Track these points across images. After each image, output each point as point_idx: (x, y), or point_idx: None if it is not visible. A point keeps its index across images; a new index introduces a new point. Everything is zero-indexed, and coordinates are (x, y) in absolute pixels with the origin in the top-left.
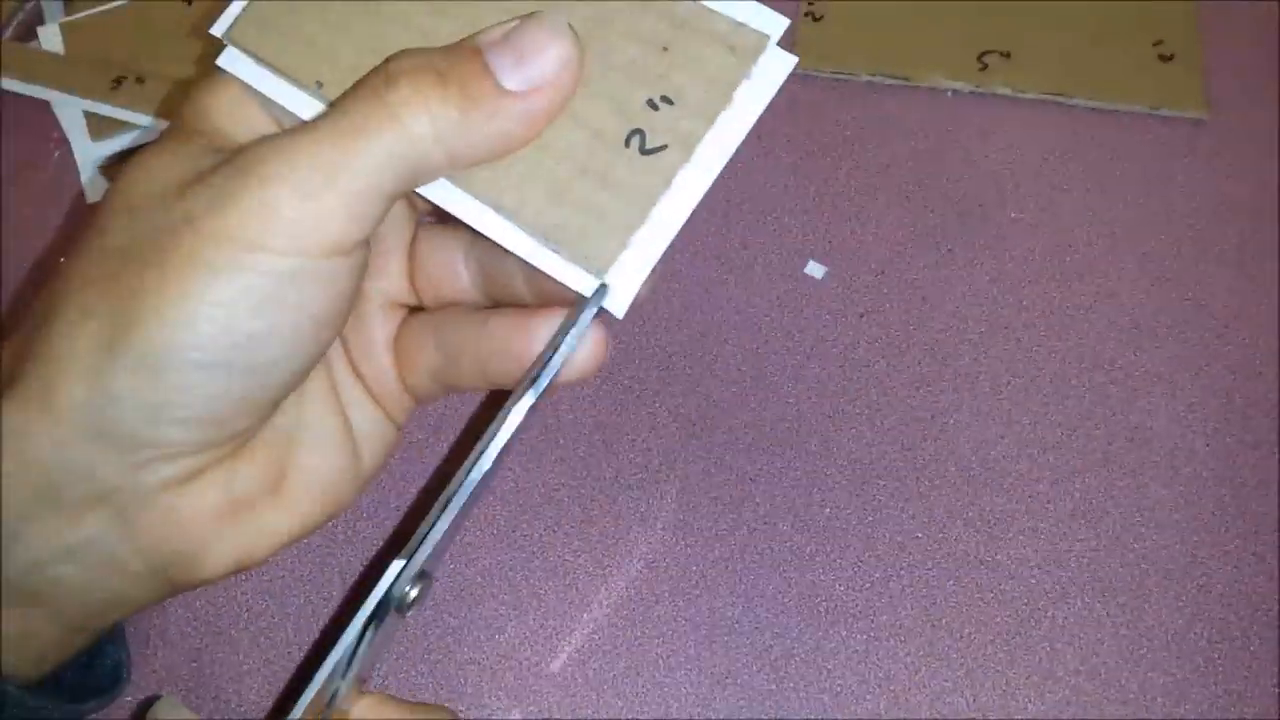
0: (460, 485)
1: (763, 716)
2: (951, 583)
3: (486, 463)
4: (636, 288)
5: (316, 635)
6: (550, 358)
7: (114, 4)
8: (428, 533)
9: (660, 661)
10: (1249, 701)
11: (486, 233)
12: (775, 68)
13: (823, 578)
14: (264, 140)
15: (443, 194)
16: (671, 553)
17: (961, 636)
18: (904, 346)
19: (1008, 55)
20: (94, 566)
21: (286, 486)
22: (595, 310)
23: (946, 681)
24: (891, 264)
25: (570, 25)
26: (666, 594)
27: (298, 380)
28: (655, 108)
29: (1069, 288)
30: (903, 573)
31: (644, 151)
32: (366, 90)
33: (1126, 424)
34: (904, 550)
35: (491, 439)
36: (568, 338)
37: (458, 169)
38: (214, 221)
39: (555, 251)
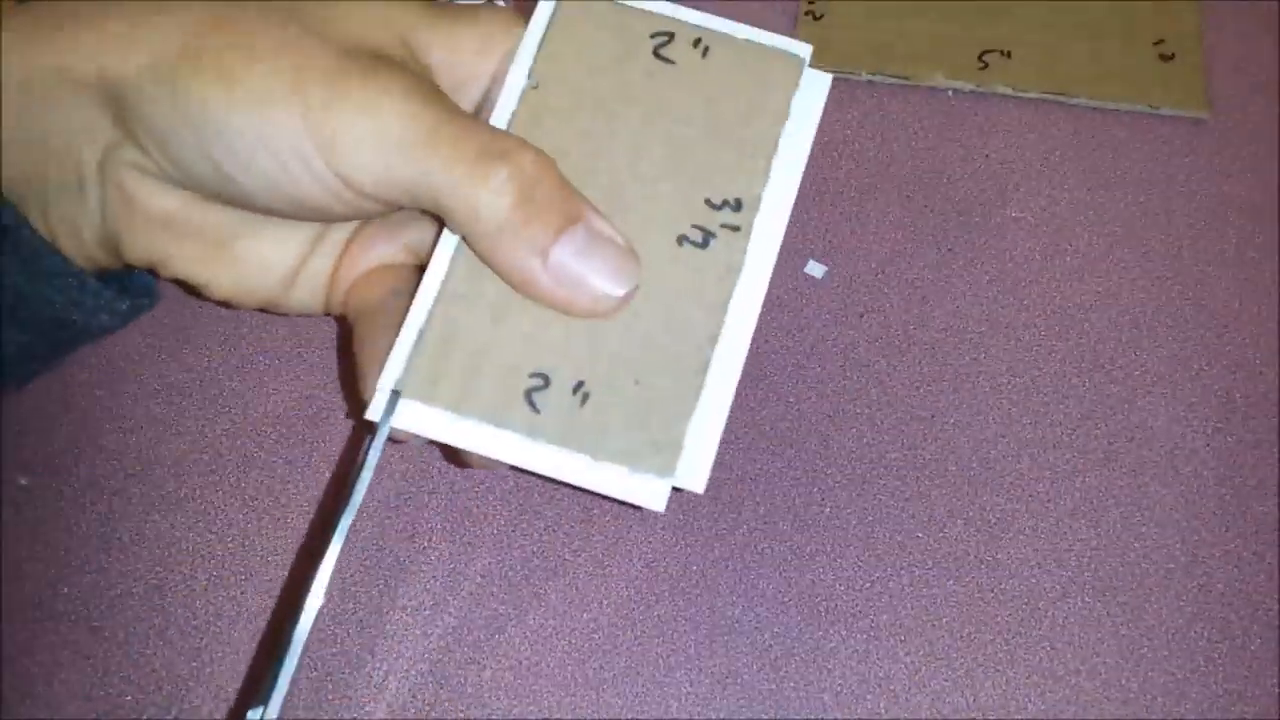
0: (294, 631)
1: (763, 716)
2: (951, 583)
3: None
4: (709, 456)
5: (317, 635)
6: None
7: None
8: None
9: (660, 661)
10: (1249, 701)
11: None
12: (813, 92)
13: (823, 578)
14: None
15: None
16: (671, 553)
17: (961, 636)
18: (904, 346)
19: (1008, 55)
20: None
21: (224, 251)
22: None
23: (946, 681)
24: (891, 264)
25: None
26: (666, 594)
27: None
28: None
29: (1069, 288)
30: (903, 573)
31: (699, 245)
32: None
33: (1126, 424)
34: (904, 550)
35: (310, 585)
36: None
37: (468, 239)
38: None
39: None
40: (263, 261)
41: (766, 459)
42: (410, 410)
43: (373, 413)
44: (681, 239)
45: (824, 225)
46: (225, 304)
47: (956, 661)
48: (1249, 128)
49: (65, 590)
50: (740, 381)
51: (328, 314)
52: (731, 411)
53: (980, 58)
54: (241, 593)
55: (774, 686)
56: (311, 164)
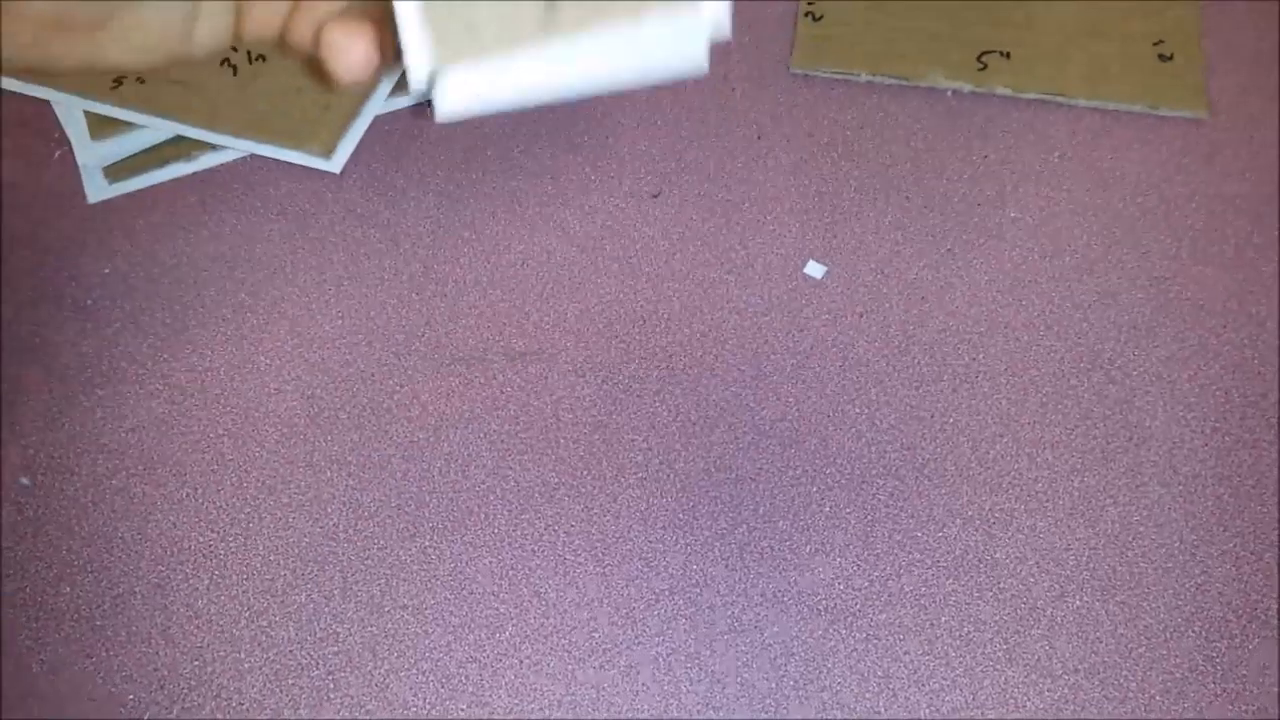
0: None
1: (763, 716)
2: (951, 582)
3: None
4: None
5: (318, 635)
6: None
7: None
8: None
9: (660, 661)
10: (1249, 701)
11: None
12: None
13: (822, 577)
14: None
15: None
16: (671, 553)
17: (961, 636)
18: (904, 346)
19: (1008, 55)
20: None
21: (110, 26)
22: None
23: (946, 680)
24: (891, 264)
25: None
26: (666, 593)
27: None
28: None
29: (1069, 288)
30: (902, 572)
31: None
32: None
33: (1126, 423)
34: (904, 550)
35: None
36: None
37: None
38: None
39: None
40: (148, 27)
41: (766, 459)
42: (448, 83)
43: (421, 89)
44: None
45: (824, 225)
46: (118, 71)
47: (956, 660)
48: (1249, 128)
49: (65, 590)
50: (740, 381)
51: (235, 49)
52: (732, 411)
53: (980, 58)
54: (242, 592)
55: (774, 686)
56: None
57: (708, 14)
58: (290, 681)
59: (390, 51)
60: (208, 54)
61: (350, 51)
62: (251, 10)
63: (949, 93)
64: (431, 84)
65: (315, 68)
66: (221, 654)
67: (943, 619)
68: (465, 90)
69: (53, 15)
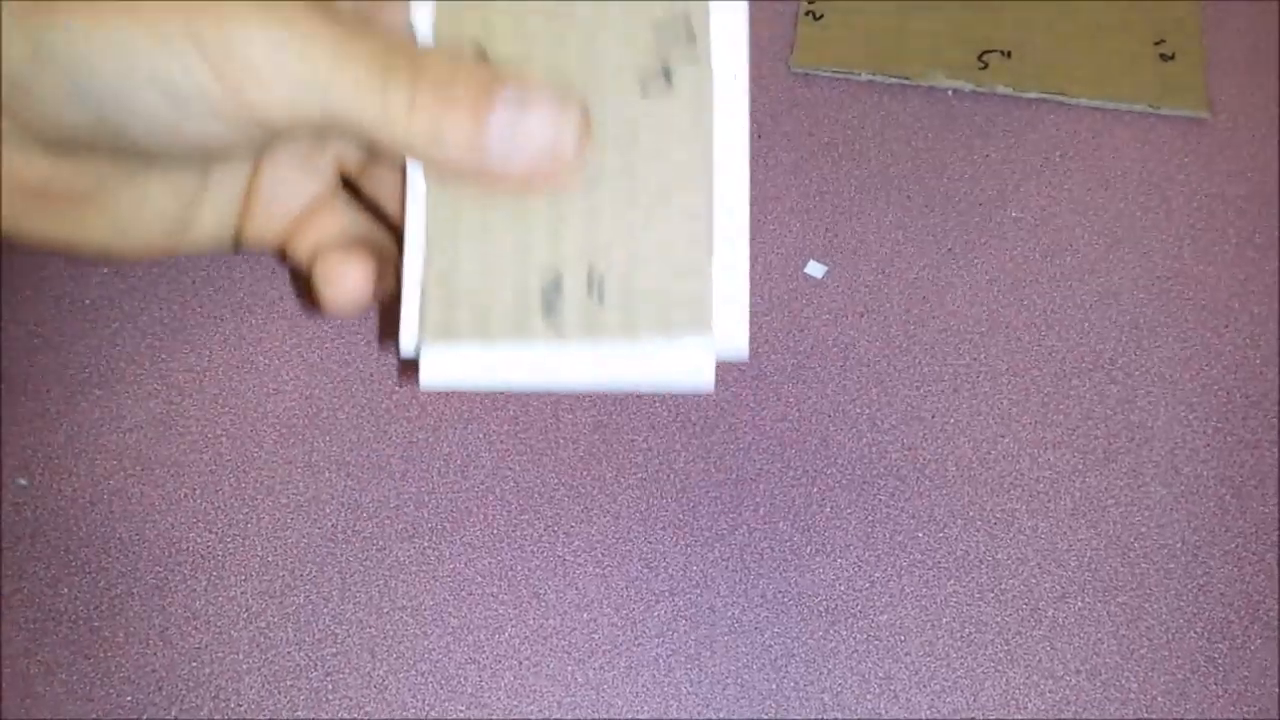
0: None
1: (763, 716)
2: (951, 583)
3: None
4: (745, 315)
5: (316, 636)
6: None
7: None
8: None
9: (660, 661)
10: (1249, 701)
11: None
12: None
13: (823, 578)
14: None
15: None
16: (671, 553)
17: (961, 636)
18: (904, 346)
19: (1008, 55)
20: None
21: (97, 206)
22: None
23: (946, 681)
24: (891, 263)
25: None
26: (666, 594)
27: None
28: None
29: (1069, 288)
30: (903, 573)
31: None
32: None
33: (1127, 423)
34: (904, 550)
35: None
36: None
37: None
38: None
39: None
40: (143, 210)
41: (766, 459)
42: (437, 356)
43: (409, 353)
44: (644, 85)
45: (824, 225)
46: (104, 257)
47: (956, 661)
48: (1249, 128)
49: (65, 590)
50: (740, 381)
51: (237, 252)
52: (732, 411)
53: (980, 58)
54: (241, 593)
55: (774, 686)
56: (209, 96)
57: (718, 337)
58: (289, 683)
59: (386, 291)
60: (204, 252)
61: (341, 285)
62: (256, 210)
63: (949, 92)
64: (419, 351)
65: (308, 286)
66: (220, 655)
67: (944, 620)
68: (456, 368)
69: (36, 181)
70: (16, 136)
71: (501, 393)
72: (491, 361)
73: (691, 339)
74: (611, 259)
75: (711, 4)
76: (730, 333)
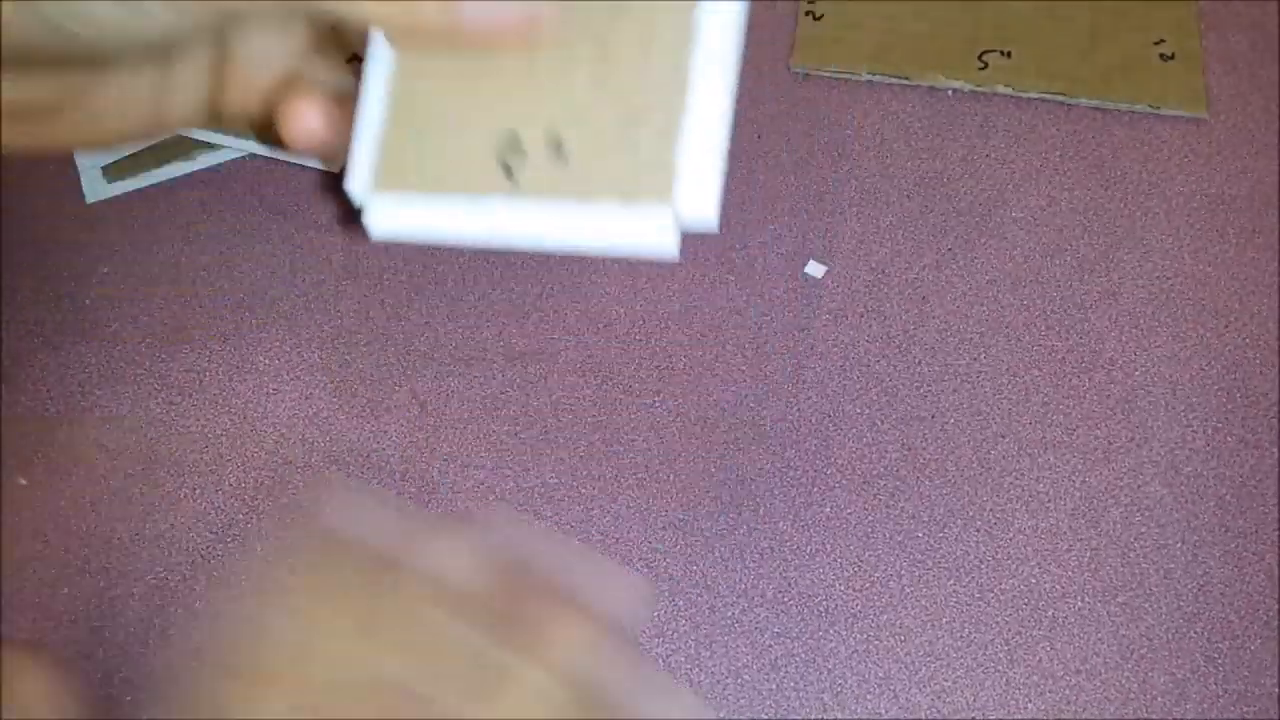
0: None
1: (763, 716)
2: (951, 582)
3: None
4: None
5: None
6: None
7: None
8: None
9: (660, 661)
10: (1249, 701)
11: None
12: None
13: (823, 578)
14: None
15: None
16: (671, 553)
17: (961, 636)
18: (904, 346)
19: (1008, 55)
20: None
21: (73, 110)
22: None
23: (946, 681)
24: (891, 264)
25: None
26: (666, 594)
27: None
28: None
29: (1069, 288)
30: (903, 573)
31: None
32: None
33: (1127, 423)
34: (904, 550)
35: None
36: None
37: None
38: None
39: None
40: (116, 105)
41: (766, 459)
42: (388, 203)
43: (356, 200)
44: None
45: (824, 225)
46: (90, 151)
47: (956, 661)
48: (1249, 128)
49: (65, 590)
50: (740, 381)
51: (221, 124)
52: (732, 411)
53: (980, 58)
54: (241, 593)
55: (774, 686)
56: None
57: (684, 206)
58: None
59: (346, 137)
60: (186, 125)
61: (299, 122)
62: (233, 83)
63: (949, 92)
64: (367, 199)
65: (272, 127)
66: (219, 655)
67: (944, 620)
68: (403, 217)
69: (7, 105)
70: None
71: (453, 245)
72: (443, 211)
73: (652, 207)
74: (576, 123)
75: None
76: (698, 202)
